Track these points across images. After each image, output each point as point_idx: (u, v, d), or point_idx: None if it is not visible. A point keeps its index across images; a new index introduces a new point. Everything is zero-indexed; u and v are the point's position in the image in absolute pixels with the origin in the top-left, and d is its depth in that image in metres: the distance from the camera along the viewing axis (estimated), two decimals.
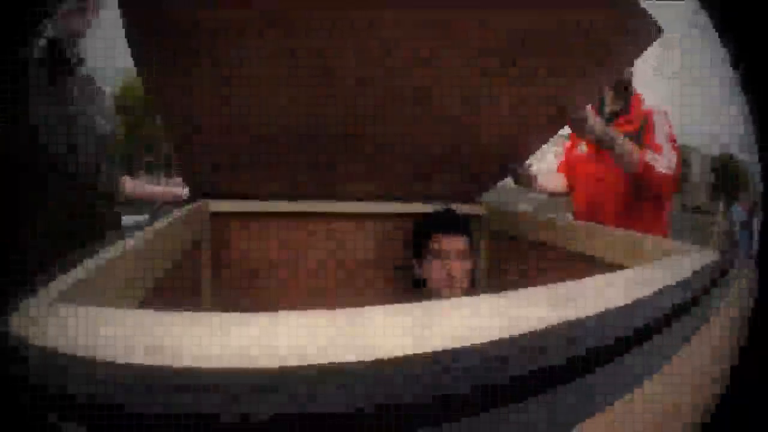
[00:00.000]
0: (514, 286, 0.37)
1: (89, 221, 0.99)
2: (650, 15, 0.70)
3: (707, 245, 0.60)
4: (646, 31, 0.74)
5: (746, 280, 0.46)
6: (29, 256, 0.76)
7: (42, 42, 0.89)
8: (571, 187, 1.43)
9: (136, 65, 0.63)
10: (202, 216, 1.02)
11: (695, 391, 0.32)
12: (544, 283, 0.38)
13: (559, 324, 0.29)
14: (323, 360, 0.24)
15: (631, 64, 0.89)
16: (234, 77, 0.69)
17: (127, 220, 1.37)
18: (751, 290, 0.44)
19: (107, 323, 0.29)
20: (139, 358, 0.24)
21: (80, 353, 0.24)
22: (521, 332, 0.28)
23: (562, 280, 0.39)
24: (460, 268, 0.99)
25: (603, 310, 0.32)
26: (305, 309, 0.29)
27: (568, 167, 1.43)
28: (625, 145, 1.06)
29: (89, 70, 1.03)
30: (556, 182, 1.45)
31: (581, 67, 0.80)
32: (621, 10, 0.67)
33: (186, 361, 0.23)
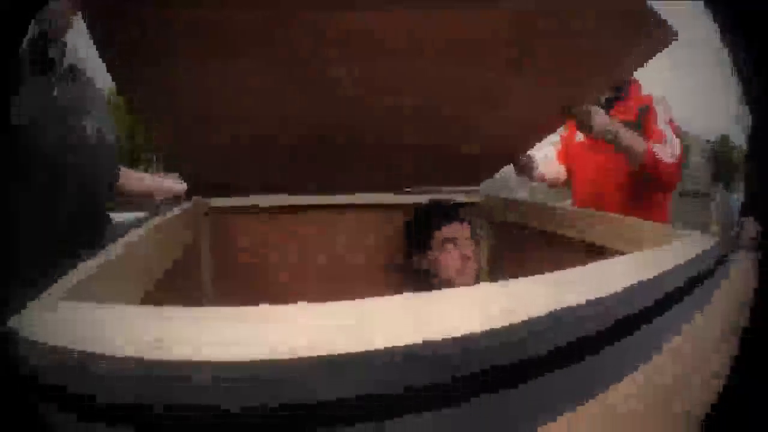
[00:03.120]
0: (515, 273, 0.37)
1: (89, 220, 0.99)
2: (664, 19, 0.69)
3: (706, 231, 0.61)
4: (660, 35, 0.73)
5: (745, 266, 0.47)
6: (30, 256, 0.76)
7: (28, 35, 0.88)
8: (570, 176, 1.43)
9: (120, 64, 0.62)
10: (201, 212, 1.02)
11: (695, 373, 0.33)
12: (544, 270, 0.38)
13: (558, 310, 0.30)
14: (329, 351, 0.24)
15: (641, 65, 0.87)
16: (231, 75, 0.69)
17: (128, 216, 1.37)
18: (751, 278, 0.44)
19: (112, 320, 0.29)
20: (145, 353, 0.24)
21: (86, 349, 0.25)
22: (524, 319, 0.28)
23: (563, 266, 0.39)
24: (471, 253, 1.00)
25: (602, 295, 0.33)
26: (308, 302, 0.30)
27: (567, 156, 1.42)
28: (629, 137, 1.05)
29: (81, 63, 1.01)
30: (555, 171, 1.44)
31: (589, 66, 0.79)
32: (633, 13, 0.66)
33: (192, 355, 0.24)
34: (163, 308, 0.30)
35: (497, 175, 1.34)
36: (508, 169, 1.32)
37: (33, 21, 0.89)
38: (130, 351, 0.24)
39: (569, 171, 1.42)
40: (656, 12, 0.67)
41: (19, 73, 0.86)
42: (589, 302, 0.31)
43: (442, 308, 0.31)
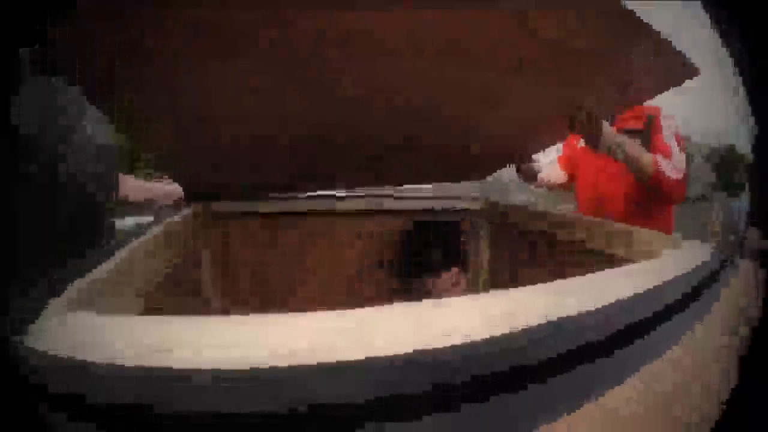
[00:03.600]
0: (515, 276, 0.38)
1: (88, 220, 0.99)
2: (684, 56, 0.68)
3: (708, 238, 0.61)
4: (679, 71, 0.73)
5: (746, 275, 0.47)
6: (30, 256, 0.76)
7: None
8: (572, 180, 1.42)
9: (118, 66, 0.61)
10: (201, 217, 1.02)
11: (695, 381, 0.33)
12: (542, 274, 0.39)
13: (556, 319, 0.30)
14: (330, 358, 0.24)
15: (658, 92, 0.86)
16: (231, 75, 0.69)
17: (129, 222, 1.37)
18: (755, 287, 0.44)
19: (117, 331, 0.29)
20: (150, 361, 0.25)
21: (95, 359, 0.25)
22: (522, 327, 0.29)
23: (561, 271, 0.40)
24: (449, 279, 1.07)
25: (600, 305, 0.33)
26: (307, 307, 0.30)
27: (570, 160, 1.41)
28: (635, 153, 1.04)
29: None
30: (557, 175, 1.44)
31: (602, 92, 0.79)
32: (652, 49, 0.66)
33: (194, 363, 0.24)
34: (166, 317, 0.30)
35: (495, 177, 1.35)
36: (508, 173, 1.33)
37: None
38: (136, 361, 0.25)
39: (571, 176, 1.42)
40: (674, 46, 0.66)
41: (20, 73, 0.86)
42: (587, 312, 0.32)
43: (442, 316, 0.31)
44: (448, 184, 1.31)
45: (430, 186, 1.37)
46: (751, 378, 0.33)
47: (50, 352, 0.26)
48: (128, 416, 0.23)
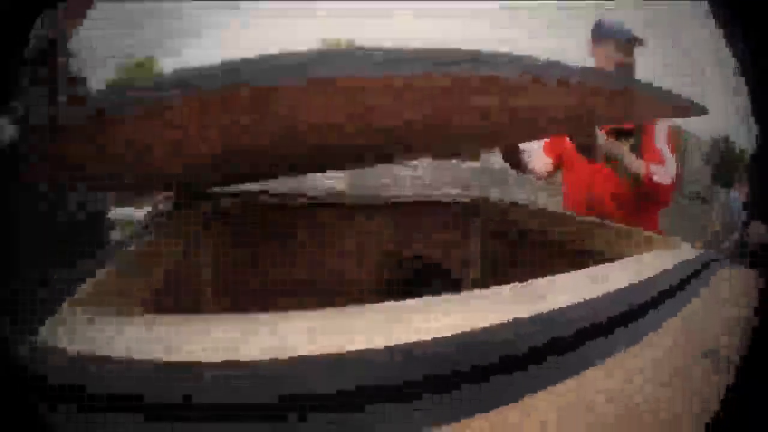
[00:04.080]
0: (504, 272, 0.40)
1: (89, 220, 1.00)
2: (691, 101, 0.65)
3: (704, 236, 0.62)
4: (682, 107, 0.70)
5: (738, 275, 0.47)
6: (30, 256, 0.77)
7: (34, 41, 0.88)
8: (557, 169, 1.39)
9: None
10: (201, 217, 1.03)
11: (673, 378, 0.33)
12: (530, 270, 0.41)
13: (521, 319, 0.32)
14: (321, 352, 0.26)
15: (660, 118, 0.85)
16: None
17: (127, 212, 1.36)
18: (751, 288, 0.45)
19: (118, 328, 0.30)
20: (150, 357, 0.25)
21: (95, 357, 0.26)
22: (498, 323, 0.31)
23: (550, 268, 0.41)
24: None
25: (564, 306, 0.35)
26: (306, 302, 0.31)
27: (556, 148, 1.36)
28: (631, 161, 1.05)
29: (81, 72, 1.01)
30: (543, 164, 1.39)
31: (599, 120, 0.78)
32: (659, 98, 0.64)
33: (195, 357, 0.25)
34: (166, 315, 0.31)
35: (493, 167, 1.35)
36: (507, 167, 1.32)
37: (43, 24, 0.88)
38: (135, 356, 0.26)
39: (558, 165, 1.39)
40: (676, 94, 0.64)
41: (20, 74, 0.86)
42: (559, 309, 0.34)
43: (426, 314, 0.33)
44: (447, 179, 1.32)
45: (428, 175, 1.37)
46: (748, 379, 0.33)
47: (50, 351, 0.27)
48: (127, 411, 0.23)
